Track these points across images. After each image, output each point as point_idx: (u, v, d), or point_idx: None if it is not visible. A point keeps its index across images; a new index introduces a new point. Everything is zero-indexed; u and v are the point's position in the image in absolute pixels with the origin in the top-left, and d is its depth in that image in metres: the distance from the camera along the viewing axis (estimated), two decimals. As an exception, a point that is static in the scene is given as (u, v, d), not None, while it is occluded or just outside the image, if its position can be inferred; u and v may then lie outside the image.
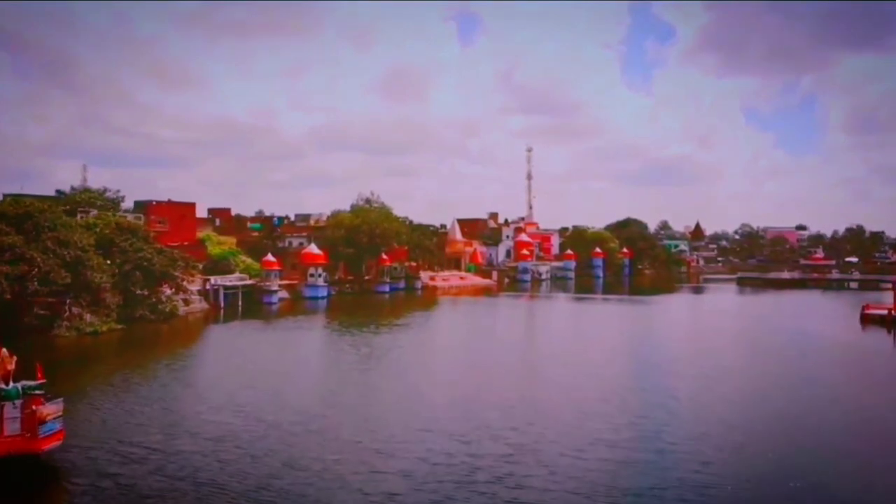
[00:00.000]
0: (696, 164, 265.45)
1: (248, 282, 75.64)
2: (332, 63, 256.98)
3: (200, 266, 77.94)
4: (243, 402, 28.31)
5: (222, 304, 71.01)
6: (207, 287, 71.58)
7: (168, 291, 64.38)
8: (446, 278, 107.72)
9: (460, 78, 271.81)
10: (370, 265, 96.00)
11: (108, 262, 61.54)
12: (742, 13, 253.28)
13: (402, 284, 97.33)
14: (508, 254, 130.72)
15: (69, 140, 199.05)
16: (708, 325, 61.61)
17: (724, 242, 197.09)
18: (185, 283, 65.46)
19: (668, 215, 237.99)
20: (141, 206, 78.98)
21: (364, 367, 36.85)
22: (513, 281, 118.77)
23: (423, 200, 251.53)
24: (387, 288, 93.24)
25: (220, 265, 78.00)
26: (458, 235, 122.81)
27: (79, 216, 69.33)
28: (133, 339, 50.89)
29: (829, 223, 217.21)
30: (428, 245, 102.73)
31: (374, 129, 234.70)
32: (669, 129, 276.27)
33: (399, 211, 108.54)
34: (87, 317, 54.45)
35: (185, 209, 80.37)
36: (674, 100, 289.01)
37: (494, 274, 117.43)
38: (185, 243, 78.66)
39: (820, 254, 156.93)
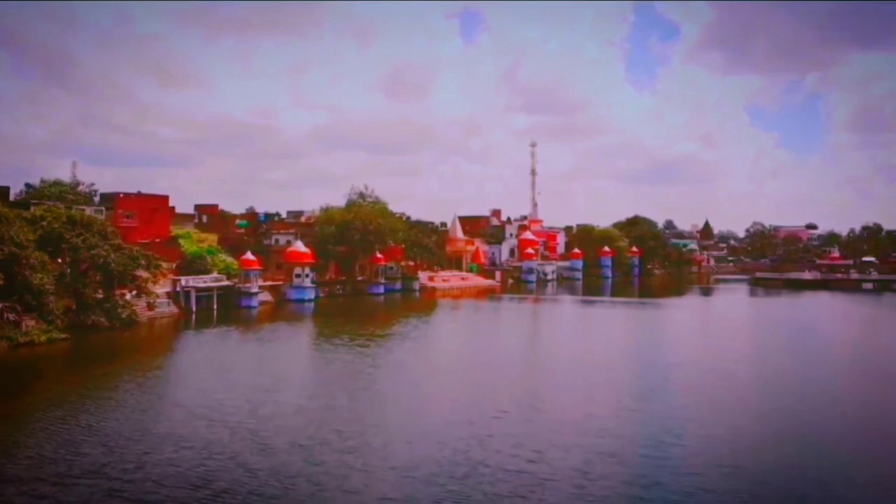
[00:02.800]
0: (700, 162, 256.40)
1: (225, 283, 66.54)
2: (333, 61, 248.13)
3: (174, 265, 69.14)
4: (133, 459, 19.32)
5: (194, 308, 62.02)
6: (177, 289, 62.64)
7: (130, 294, 55.73)
8: (446, 279, 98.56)
9: (463, 76, 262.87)
10: (364, 264, 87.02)
11: (59, 260, 53.18)
12: (747, 11, 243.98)
13: (398, 285, 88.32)
14: (512, 253, 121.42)
15: (69, 139, 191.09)
16: (744, 338, 52.11)
17: (732, 242, 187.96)
18: (149, 284, 56.61)
19: (672, 214, 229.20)
20: (108, 199, 69.97)
21: (332, 405, 27.62)
22: (517, 281, 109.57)
23: (425, 200, 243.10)
24: (381, 289, 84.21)
25: (195, 264, 68.92)
26: (460, 233, 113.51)
27: (32, 209, 60.42)
28: (76, 351, 42.02)
29: (831, 222, 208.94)
30: (426, 243, 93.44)
31: (376, 128, 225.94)
32: (673, 128, 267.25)
33: (401, 210, 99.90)
34: (25, 324, 45.64)
35: (158, 202, 71.28)
36: (678, 98, 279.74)
37: (498, 274, 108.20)
38: (157, 240, 69.74)
39: (836, 253, 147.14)
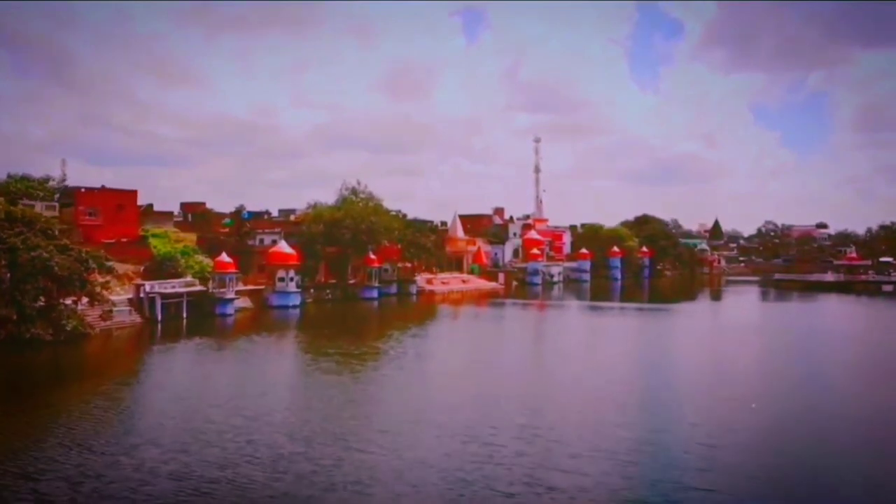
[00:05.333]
0: (703, 161, 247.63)
1: (196, 288, 58.24)
2: (334, 60, 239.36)
3: (141, 268, 61.05)
4: None
5: (159, 318, 53.77)
6: (141, 295, 54.41)
7: (83, 302, 47.66)
8: (446, 281, 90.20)
9: (465, 75, 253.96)
10: (357, 266, 78.74)
11: (-2, 263, 45.21)
12: (750, 9, 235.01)
13: (393, 289, 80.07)
14: (516, 253, 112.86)
15: (69, 138, 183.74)
16: (788, 359, 43.47)
17: (741, 241, 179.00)
18: (103, 290, 48.49)
19: (674, 213, 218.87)
20: (69, 194, 61.70)
21: (254, 485, 19.31)
22: (521, 284, 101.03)
23: (426, 199, 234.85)
24: (375, 293, 75.93)
25: (165, 267, 60.64)
26: (460, 232, 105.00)
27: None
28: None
29: (833, 222, 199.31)
30: (424, 243, 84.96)
31: (377, 127, 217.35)
32: (676, 127, 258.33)
33: (402, 210, 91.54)
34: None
35: (124, 198, 62.93)
36: (680, 97, 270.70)
37: (501, 276, 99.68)
38: (124, 239, 61.66)
39: (853, 253, 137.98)
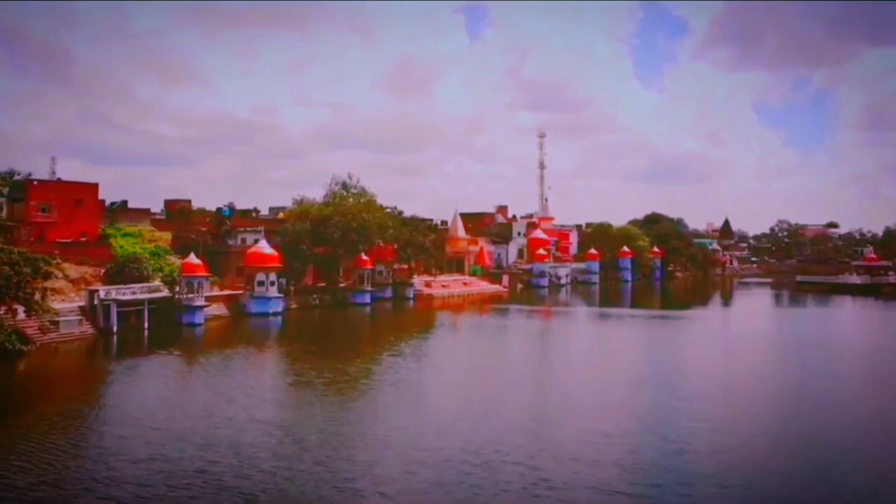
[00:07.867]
0: (707, 161, 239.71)
1: (160, 294, 50.54)
2: (336, 58, 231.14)
3: (102, 271, 53.47)
4: None
5: (115, 328, 46.09)
6: (95, 302, 46.73)
7: (21, 311, 40.13)
8: (446, 284, 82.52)
9: (467, 73, 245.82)
10: (349, 268, 71.10)
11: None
12: (755, 7, 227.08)
13: (388, 293, 72.44)
14: (521, 253, 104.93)
15: (69, 137, 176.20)
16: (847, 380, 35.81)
17: (752, 241, 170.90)
18: (48, 295, 40.94)
19: (679, 213, 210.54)
20: (19, 187, 53.96)
21: None
22: (527, 286, 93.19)
23: (429, 199, 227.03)
24: (367, 298, 68.20)
25: (129, 269, 52.93)
26: (461, 232, 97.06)
27: None
28: None
29: (840, 221, 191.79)
30: (422, 242, 77.14)
31: (380, 126, 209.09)
32: (680, 126, 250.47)
33: (403, 210, 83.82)
34: None
35: (83, 191, 55.16)
36: (685, 95, 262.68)
37: (505, 278, 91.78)
38: (83, 238, 54.10)
39: (872, 254, 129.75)
